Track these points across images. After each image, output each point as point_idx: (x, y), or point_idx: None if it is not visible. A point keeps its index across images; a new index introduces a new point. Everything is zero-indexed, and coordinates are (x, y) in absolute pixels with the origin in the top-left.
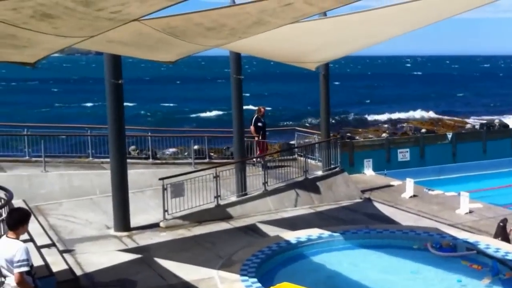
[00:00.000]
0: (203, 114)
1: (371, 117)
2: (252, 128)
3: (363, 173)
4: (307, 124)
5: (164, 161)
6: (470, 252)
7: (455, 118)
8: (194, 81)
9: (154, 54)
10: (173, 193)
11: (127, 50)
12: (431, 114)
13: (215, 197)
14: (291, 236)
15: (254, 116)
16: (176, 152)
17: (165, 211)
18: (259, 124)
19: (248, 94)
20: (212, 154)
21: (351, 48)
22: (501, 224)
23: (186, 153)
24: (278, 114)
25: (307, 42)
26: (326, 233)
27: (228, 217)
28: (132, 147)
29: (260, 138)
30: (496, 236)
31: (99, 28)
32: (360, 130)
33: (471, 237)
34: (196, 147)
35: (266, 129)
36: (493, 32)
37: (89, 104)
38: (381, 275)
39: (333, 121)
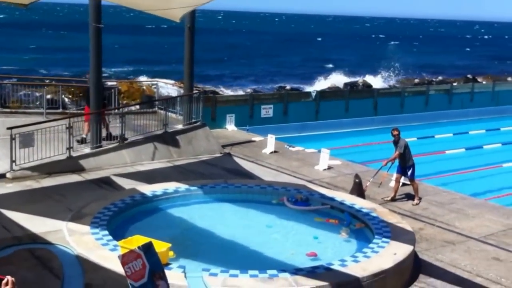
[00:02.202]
0: (60, 64)
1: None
2: None
3: (225, 128)
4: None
5: (13, 110)
6: (324, 206)
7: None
8: (51, 28)
9: None
10: (22, 143)
11: None
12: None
13: (67, 148)
14: (147, 189)
15: None
16: (27, 101)
17: (12, 161)
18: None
19: (117, 46)
20: (68, 103)
21: None
22: (356, 180)
23: (38, 103)
24: (139, 66)
25: None
26: (183, 186)
27: (80, 169)
28: None
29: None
30: (352, 192)
31: None
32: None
33: (328, 193)
34: (49, 96)
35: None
36: None
37: None
38: (237, 229)
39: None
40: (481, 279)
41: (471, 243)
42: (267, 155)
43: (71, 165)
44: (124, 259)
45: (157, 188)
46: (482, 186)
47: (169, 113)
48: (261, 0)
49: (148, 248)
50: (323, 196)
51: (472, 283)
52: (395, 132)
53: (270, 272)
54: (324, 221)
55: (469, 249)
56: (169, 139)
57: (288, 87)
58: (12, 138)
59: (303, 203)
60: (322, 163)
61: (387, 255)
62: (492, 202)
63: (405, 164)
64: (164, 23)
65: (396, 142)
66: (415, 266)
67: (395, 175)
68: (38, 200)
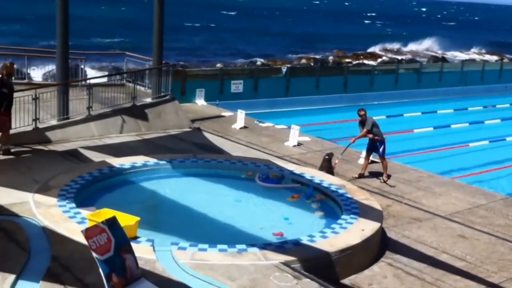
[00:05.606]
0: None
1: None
2: None
3: (195, 102)
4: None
5: None
6: (294, 185)
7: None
8: None
9: None
10: None
11: None
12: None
13: (33, 120)
14: (115, 162)
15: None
16: None
17: None
18: (4, 89)
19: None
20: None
21: None
22: (326, 157)
23: None
24: (107, 38)
25: None
26: (152, 160)
27: (47, 141)
28: None
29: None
30: (321, 168)
31: None
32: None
33: (297, 169)
34: (14, 66)
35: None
36: None
37: None
38: (206, 203)
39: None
40: (447, 255)
41: (438, 221)
42: (237, 130)
43: (37, 136)
44: (88, 233)
45: (125, 162)
46: (449, 165)
47: (138, 86)
48: None
49: (112, 223)
50: (292, 172)
51: (437, 260)
52: (362, 112)
53: (239, 246)
54: (291, 199)
55: (435, 226)
56: (138, 112)
57: (259, 62)
58: None
59: (275, 180)
60: (291, 140)
61: (355, 231)
62: (459, 180)
63: (375, 141)
64: None
65: (362, 122)
66: (382, 242)
67: (364, 153)
68: (3, 172)
